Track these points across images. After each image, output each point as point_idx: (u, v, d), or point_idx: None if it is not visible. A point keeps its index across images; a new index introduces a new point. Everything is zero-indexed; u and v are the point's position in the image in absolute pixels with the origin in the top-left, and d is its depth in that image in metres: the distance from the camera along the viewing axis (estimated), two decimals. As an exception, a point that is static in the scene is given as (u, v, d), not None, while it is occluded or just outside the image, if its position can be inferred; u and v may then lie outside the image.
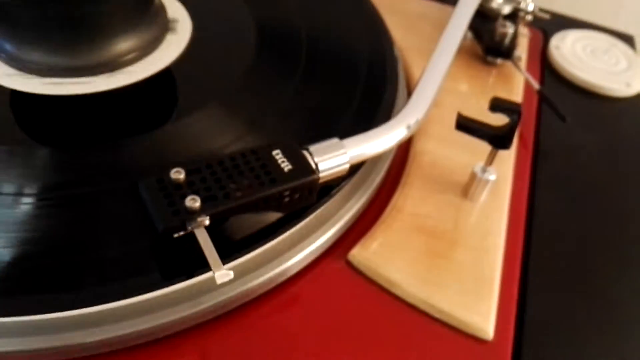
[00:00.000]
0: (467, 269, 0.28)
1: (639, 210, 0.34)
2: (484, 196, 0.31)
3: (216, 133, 0.29)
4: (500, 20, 0.38)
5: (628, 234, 0.32)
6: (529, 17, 0.42)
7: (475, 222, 0.30)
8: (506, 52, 0.39)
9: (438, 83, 0.31)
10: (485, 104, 0.36)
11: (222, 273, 0.20)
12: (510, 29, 0.38)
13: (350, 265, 0.28)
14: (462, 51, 0.41)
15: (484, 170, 0.30)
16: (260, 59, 0.33)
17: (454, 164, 0.32)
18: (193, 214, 0.22)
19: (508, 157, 0.34)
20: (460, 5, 0.36)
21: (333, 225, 0.28)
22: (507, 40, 0.38)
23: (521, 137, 0.36)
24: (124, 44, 0.32)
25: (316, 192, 0.25)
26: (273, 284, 0.26)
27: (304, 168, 0.24)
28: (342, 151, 0.26)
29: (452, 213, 0.30)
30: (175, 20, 0.35)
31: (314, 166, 0.25)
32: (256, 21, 0.36)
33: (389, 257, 0.27)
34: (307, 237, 0.27)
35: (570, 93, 0.41)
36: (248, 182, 0.23)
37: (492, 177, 0.30)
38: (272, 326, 0.25)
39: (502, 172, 0.33)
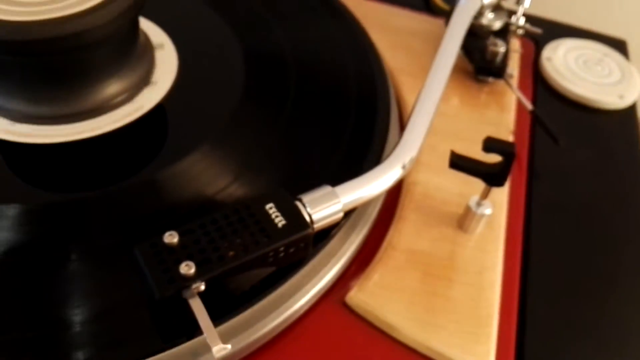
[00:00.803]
0: (464, 307, 0.28)
1: (635, 229, 0.34)
2: (480, 228, 0.31)
3: (204, 179, 0.29)
4: (491, 39, 0.38)
5: (626, 259, 0.32)
6: (521, 31, 0.41)
7: (471, 256, 0.30)
8: (497, 71, 0.38)
9: (430, 116, 0.31)
10: (477, 126, 0.36)
11: (220, 347, 0.20)
12: (501, 48, 0.38)
13: (348, 308, 0.28)
14: (454, 68, 0.40)
15: (479, 204, 0.30)
16: (248, 96, 0.33)
17: (447, 195, 0.32)
18: (188, 280, 0.22)
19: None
20: (450, 29, 0.35)
21: (330, 269, 0.28)
22: (498, 59, 0.38)
23: (516, 160, 0.36)
24: (106, 90, 0.32)
25: (311, 245, 0.25)
26: (270, 336, 0.26)
27: (298, 222, 0.24)
28: (335, 200, 0.25)
29: (448, 247, 0.30)
30: (161, 56, 0.35)
31: (307, 219, 0.25)
32: (244, 51, 0.36)
33: (386, 298, 0.28)
34: (304, 286, 0.27)
35: (563, 107, 0.41)
36: (242, 242, 0.23)
37: (487, 210, 0.30)
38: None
39: (498, 199, 0.33)
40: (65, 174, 0.29)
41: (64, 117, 0.31)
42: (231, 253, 0.23)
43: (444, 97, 0.38)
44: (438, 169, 0.33)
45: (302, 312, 0.26)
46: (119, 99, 0.32)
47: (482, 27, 0.39)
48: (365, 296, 0.28)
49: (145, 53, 0.34)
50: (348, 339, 0.27)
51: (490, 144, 0.27)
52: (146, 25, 0.35)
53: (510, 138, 0.37)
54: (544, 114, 0.39)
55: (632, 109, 0.42)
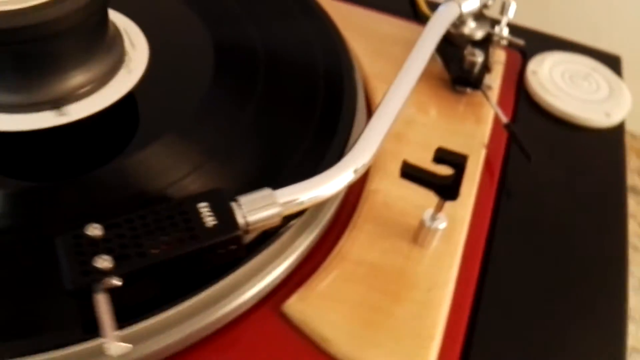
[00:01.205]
0: (406, 325, 0.26)
1: (603, 257, 0.32)
2: (435, 242, 0.30)
3: (165, 169, 0.29)
4: (468, 48, 0.36)
5: (590, 289, 0.31)
6: (504, 42, 0.40)
7: (423, 272, 0.29)
8: (475, 81, 0.37)
9: (390, 122, 0.29)
10: (450, 137, 0.35)
11: (116, 345, 0.20)
12: (479, 58, 0.36)
13: (285, 317, 0.27)
14: (432, 77, 0.39)
15: (433, 217, 0.28)
16: (217, 87, 0.33)
17: (408, 205, 0.31)
18: (102, 274, 0.21)
19: (467, 197, 0.32)
20: (423, 35, 0.34)
21: (268, 274, 0.27)
22: (476, 70, 0.37)
23: (486, 174, 0.35)
24: (73, 80, 0.31)
25: (243, 247, 0.24)
26: (192, 341, 0.25)
27: (229, 223, 0.23)
28: (273, 203, 0.24)
29: (399, 261, 0.29)
30: (132, 48, 0.34)
31: (241, 220, 0.24)
32: (215, 44, 0.35)
33: (325, 310, 0.26)
34: (241, 286, 0.26)
35: (545, 122, 0.40)
36: (167, 240, 0.22)
37: (441, 225, 0.29)
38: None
39: (459, 213, 0.31)
40: (28, 163, 0.29)
41: (31, 106, 0.31)
42: (154, 251, 0.22)
43: (421, 107, 0.37)
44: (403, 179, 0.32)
45: (232, 317, 0.25)
46: (87, 88, 0.31)
47: (461, 36, 0.38)
48: (303, 306, 0.26)
49: (114, 44, 0.34)
50: (279, 350, 0.25)
51: (441, 155, 0.26)
52: (117, 17, 0.35)
53: (483, 151, 0.35)
54: (526, 129, 0.38)
55: (619, 127, 0.40)
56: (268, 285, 0.26)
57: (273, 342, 0.26)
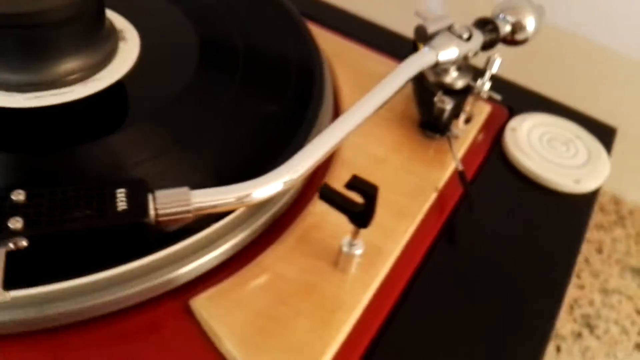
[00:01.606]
0: (299, 340, 0.27)
1: (527, 321, 0.32)
2: (354, 269, 0.31)
3: (135, 151, 0.32)
4: (439, 95, 0.37)
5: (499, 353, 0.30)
6: (484, 95, 0.41)
7: (332, 294, 0.29)
8: (442, 128, 0.38)
9: (330, 145, 0.31)
10: (404, 176, 0.36)
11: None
12: (448, 105, 0.37)
13: (190, 312, 0.28)
14: (409, 119, 0.40)
15: (351, 243, 0.30)
16: (196, 81, 0.37)
17: (339, 230, 0.32)
18: (10, 233, 0.24)
19: (402, 233, 0.33)
20: (390, 75, 0.36)
21: (183, 266, 0.28)
22: (444, 116, 0.38)
23: (432, 216, 0.35)
24: (69, 65, 0.35)
25: (151, 234, 0.26)
26: (97, 313, 0.27)
27: (138, 211, 0.25)
28: (186, 202, 0.26)
29: (313, 280, 0.30)
30: (124, 41, 0.38)
31: (151, 211, 0.26)
32: (200, 43, 0.39)
33: (228, 312, 0.28)
34: (150, 273, 0.28)
35: (513, 179, 0.40)
36: (78, 215, 0.25)
37: (357, 251, 0.30)
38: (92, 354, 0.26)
39: (388, 246, 0.32)
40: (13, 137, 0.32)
41: (26, 85, 0.34)
42: (62, 222, 0.24)
43: (393, 147, 0.38)
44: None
45: (134, 301, 0.27)
46: (78, 75, 0.35)
47: (440, 83, 0.39)
48: (209, 304, 0.28)
49: (109, 37, 0.37)
50: (174, 340, 0.27)
51: (354, 183, 0.27)
52: (113, 15, 0.39)
53: (434, 195, 0.36)
54: (492, 182, 0.39)
55: (591, 196, 0.40)
56: (179, 277, 0.28)
57: (173, 332, 0.27)
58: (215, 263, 0.30)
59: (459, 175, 0.36)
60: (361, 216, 0.27)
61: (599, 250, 0.68)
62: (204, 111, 0.35)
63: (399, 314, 0.30)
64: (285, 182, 0.29)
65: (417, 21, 0.40)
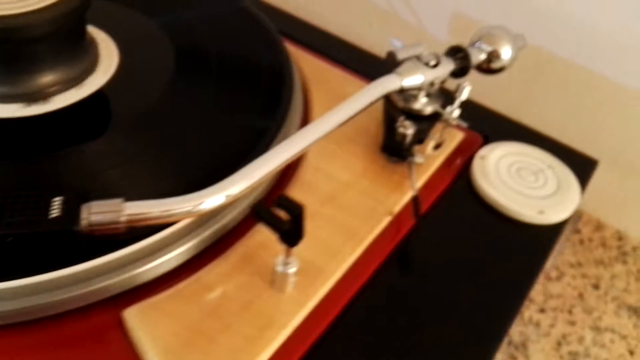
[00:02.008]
0: (223, 355, 0.28)
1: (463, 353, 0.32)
2: (289, 287, 0.31)
3: (104, 159, 0.34)
4: (400, 120, 0.38)
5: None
6: (453, 122, 0.41)
7: (264, 312, 0.30)
8: (403, 153, 0.38)
9: (278, 162, 0.31)
10: (360, 199, 0.36)
11: None
12: (409, 130, 0.37)
13: (121, 321, 0.29)
14: (378, 144, 0.41)
15: (284, 262, 0.30)
16: (171, 93, 0.39)
17: (282, 251, 0.32)
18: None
19: (347, 254, 0.33)
20: (352, 97, 0.36)
21: (115, 277, 0.29)
22: (407, 141, 0.38)
23: (382, 240, 0.35)
24: (50, 77, 0.37)
25: (83, 243, 0.27)
26: (33, 316, 0.28)
27: (69, 219, 0.26)
28: (118, 212, 0.27)
29: (248, 297, 0.30)
30: (104, 54, 0.40)
31: (84, 221, 0.27)
32: (175, 54, 0.41)
33: (157, 323, 0.28)
34: (85, 280, 0.28)
35: (477, 206, 0.39)
36: (10, 220, 0.26)
37: (291, 270, 0.30)
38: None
39: (329, 267, 0.32)
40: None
41: (7, 97, 0.36)
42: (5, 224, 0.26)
43: (351, 165, 0.39)
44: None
45: (68, 307, 0.28)
46: (58, 87, 0.36)
47: (409, 109, 0.39)
48: (140, 315, 0.29)
49: (89, 50, 0.39)
50: (102, 348, 0.28)
51: (280, 201, 0.27)
52: (94, 30, 0.41)
53: (387, 219, 0.36)
54: (453, 209, 0.39)
55: (557, 227, 0.39)
56: (112, 287, 0.29)
57: (103, 342, 0.28)
58: (151, 276, 0.30)
59: (412, 200, 0.36)
60: (289, 235, 0.28)
61: (596, 286, 0.66)
62: (176, 122, 0.37)
63: (333, 335, 0.30)
64: (223, 197, 0.29)
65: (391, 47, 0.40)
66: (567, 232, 0.73)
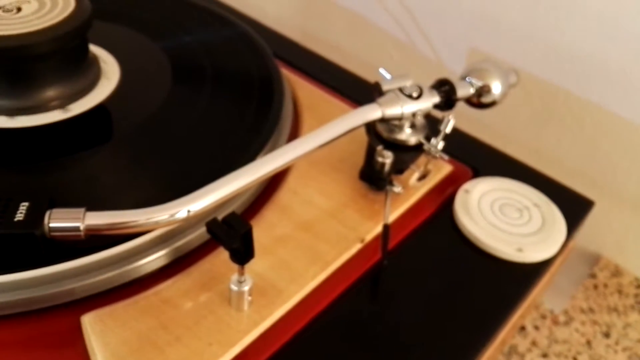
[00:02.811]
0: (168, 365, 0.28)
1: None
2: (246, 307, 0.31)
3: (99, 169, 0.36)
4: (379, 149, 0.38)
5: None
6: (437, 155, 0.41)
7: (216, 328, 0.30)
8: (380, 181, 0.38)
9: (246, 181, 0.32)
10: (332, 224, 0.37)
11: None
12: (387, 160, 0.38)
13: (79, 326, 0.30)
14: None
15: (238, 281, 0.30)
16: (167, 107, 0.41)
17: (249, 273, 0.33)
18: None
19: (310, 278, 0.33)
20: (329, 124, 0.37)
21: (77, 282, 0.30)
22: (385, 170, 0.38)
23: (350, 266, 0.35)
24: (52, 93, 0.40)
25: (43, 247, 0.28)
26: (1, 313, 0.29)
27: (31, 223, 0.28)
28: (78, 222, 0.29)
29: (203, 313, 0.31)
30: (105, 71, 0.42)
31: (45, 225, 0.28)
32: (172, 71, 0.44)
33: (110, 331, 0.29)
34: (48, 283, 0.30)
35: (456, 239, 0.39)
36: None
37: (244, 288, 0.30)
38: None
39: (290, 288, 0.33)
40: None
41: (17, 110, 0.39)
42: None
43: (330, 191, 0.39)
44: (260, 250, 0.34)
45: (28, 308, 0.30)
46: (59, 101, 0.39)
47: (393, 139, 0.40)
48: (96, 321, 0.30)
49: (92, 67, 0.42)
50: (57, 352, 0.29)
51: (229, 219, 0.28)
52: (96, 49, 0.44)
53: (358, 246, 0.36)
54: (432, 241, 0.38)
55: (536, 267, 0.38)
56: (75, 290, 0.30)
57: (61, 344, 0.29)
58: (114, 284, 0.31)
59: (383, 228, 0.36)
60: (239, 253, 0.28)
61: (606, 334, 0.63)
62: (170, 135, 0.39)
63: (284, 357, 0.30)
64: (183, 213, 0.30)
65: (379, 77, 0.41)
66: (580, 275, 0.70)
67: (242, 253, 0.28)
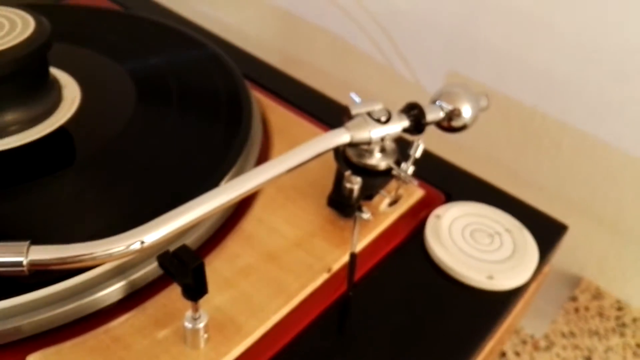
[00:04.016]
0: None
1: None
2: (202, 344, 0.30)
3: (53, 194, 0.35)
4: (347, 175, 0.37)
5: None
6: (407, 180, 0.40)
7: (169, 367, 0.29)
8: (349, 209, 0.37)
9: (203, 211, 0.30)
10: (299, 255, 0.35)
11: None
12: (355, 186, 0.37)
13: (26, 366, 0.28)
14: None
15: (193, 317, 0.29)
16: (128, 133, 0.39)
17: (208, 308, 0.31)
18: None
19: (271, 312, 0.32)
20: (296, 149, 0.35)
21: (23, 320, 0.29)
22: (354, 196, 0.37)
23: (315, 298, 0.34)
24: (11, 117, 0.38)
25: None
26: None
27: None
28: (19, 254, 0.27)
29: (156, 352, 0.29)
30: (66, 94, 0.41)
31: (-10, 261, 0.27)
32: (137, 92, 0.43)
33: (55, 371, 0.28)
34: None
35: (427, 267, 0.38)
36: None
37: (199, 325, 0.29)
38: None
39: (250, 323, 0.31)
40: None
41: None
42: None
43: (297, 220, 0.38)
44: (221, 282, 0.33)
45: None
46: (18, 126, 0.38)
47: (363, 164, 0.39)
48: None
49: (52, 90, 0.40)
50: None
51: (180, 252, 0.26)
52: (56, 71, 0.42)
53: (324, 276, 0.35)
54: (403, 268, 0.37)
55: (507, 295, 0.37)
56: (21, 329, 0.29)
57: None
58: (62, 322, 0.30)
59: (350, 257, 0.35)
60: (191, 289, 0.27)
61: (588, 359, 0.62)
62: (131, 160, 0.38)
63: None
64: (136, 245, 0.29)
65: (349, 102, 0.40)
66: (561, 298, 0.69)
67: (194, 289, 0.27)
